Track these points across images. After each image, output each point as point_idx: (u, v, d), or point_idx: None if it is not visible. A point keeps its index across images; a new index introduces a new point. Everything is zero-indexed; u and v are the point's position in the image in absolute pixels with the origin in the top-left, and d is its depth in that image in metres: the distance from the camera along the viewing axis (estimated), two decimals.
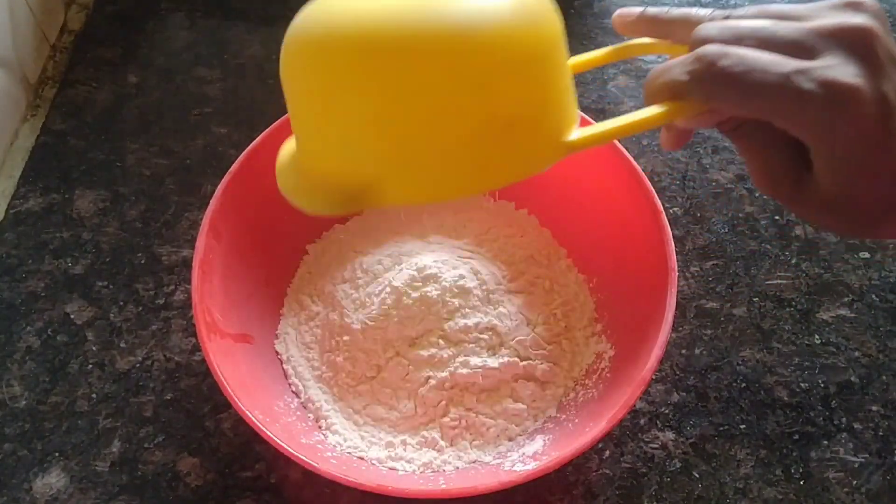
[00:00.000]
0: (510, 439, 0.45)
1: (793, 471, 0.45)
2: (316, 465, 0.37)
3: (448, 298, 0.46)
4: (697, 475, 0.45)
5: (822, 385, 0.48)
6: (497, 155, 0.27)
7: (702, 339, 0.50)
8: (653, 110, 0.28)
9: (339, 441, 0.44)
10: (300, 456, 0.37)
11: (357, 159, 0.28)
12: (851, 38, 0.28)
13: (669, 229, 0.43)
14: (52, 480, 0.45)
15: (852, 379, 0.49)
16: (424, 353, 0.45)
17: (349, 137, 0.28)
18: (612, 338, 0.47)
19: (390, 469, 0.43)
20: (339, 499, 0.44)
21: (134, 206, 0.56)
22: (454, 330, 0.45)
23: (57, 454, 0.46)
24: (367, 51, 0.26)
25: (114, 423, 0.47)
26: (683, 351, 0.50)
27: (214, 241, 0.45)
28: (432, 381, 0.45)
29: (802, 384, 0.48)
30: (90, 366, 0.49)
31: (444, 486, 0.41)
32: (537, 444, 0.44)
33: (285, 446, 0.38)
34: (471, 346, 0.45)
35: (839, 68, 0.27)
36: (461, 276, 0.47)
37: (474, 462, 0.44)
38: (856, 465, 0.45)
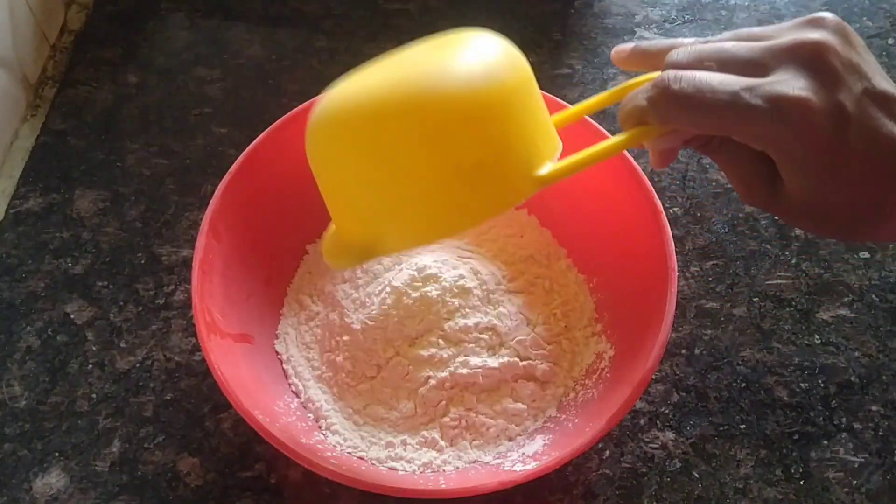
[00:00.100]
0: (510, 439, 0.45)
1: (793, 471, 0.45)
2: (316, 464, 0.37)
3: (448, 298, 0.46)
4: (697, 475, 0.45)
5: (822, 385, 0.48)
6: (472, 196, 0.31)
7: (702, 339, 0.50)
8: (619, 137, 0.32)
9: (339, 441, 0.44)
10: (300, 455, 0.37)
11: (363, 218, 0.33)
12: (805, 53, 0.28)
13: (669, 229, 0.43)
14: (52, 480, 0.45)
15: (852, 379, 0.49)
16: (424, 352, 0.45)
17: (355, 201, 0.33)
18: (612, 338, 0.47)
19: (390, 469, 0.43)
20: (339, 499, 0.44)
21: (134, 206, 0.56)
22: (454, 330, 0.45)
23: (57, 454, 0.46)
24: (351, 133, 0.31)
25: (114, 423, 0.47)
26: (683, 351, 0.50)
27: (214, 241, 0.45)
28: (432, 381, 0.45)
29: (802, 384, 0.48)
30: (90, 366, 0.49)
31: (443, 486, 0.41)
32: (537, 444, 0.44)
33: (286, 446, 0.38)
34: (471, 346, 0.45)
35: (787, 83, 0.28)
36: (461, 276, 0.47)
37: (474, 462, 0.44)
38: (856, 465, 0.45)
